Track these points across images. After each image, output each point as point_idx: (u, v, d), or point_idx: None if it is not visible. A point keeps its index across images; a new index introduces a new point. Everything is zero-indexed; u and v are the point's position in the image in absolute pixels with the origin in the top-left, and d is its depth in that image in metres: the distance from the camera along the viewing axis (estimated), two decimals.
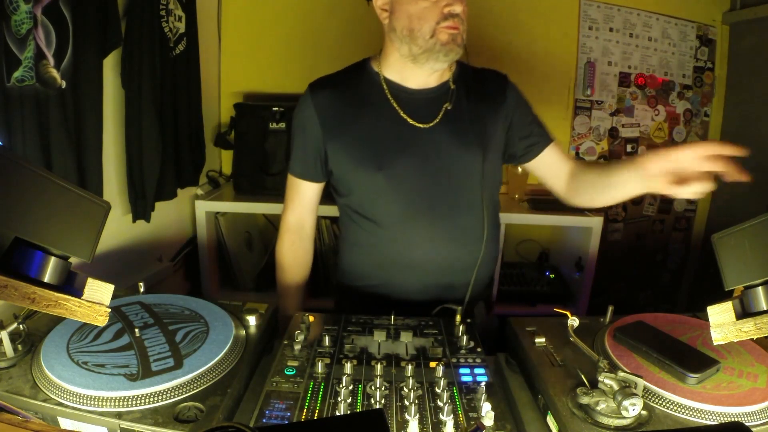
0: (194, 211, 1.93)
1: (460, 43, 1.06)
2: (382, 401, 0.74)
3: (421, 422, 0.70)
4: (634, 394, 0.68)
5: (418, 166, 1.12)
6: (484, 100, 1.16)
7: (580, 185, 1.18)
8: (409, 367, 0.81)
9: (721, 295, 0.65)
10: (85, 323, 0.63)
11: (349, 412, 0.71)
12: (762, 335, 0.59)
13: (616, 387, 0.70)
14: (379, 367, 0.79)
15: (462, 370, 0.82)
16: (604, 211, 2.23)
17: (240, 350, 0.86)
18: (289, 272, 1.28)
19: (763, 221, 0.59)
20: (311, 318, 0.97)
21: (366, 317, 0.99)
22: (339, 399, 0.74)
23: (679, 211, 2.50)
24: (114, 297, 0.62)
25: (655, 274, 2.56)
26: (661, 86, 2.36)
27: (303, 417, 0.71)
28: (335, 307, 1.34)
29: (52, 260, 0.54)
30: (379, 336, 0.92)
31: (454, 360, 0.86)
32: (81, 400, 0.70)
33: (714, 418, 0.71)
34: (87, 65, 1.23)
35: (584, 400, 0.71)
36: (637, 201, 2.45)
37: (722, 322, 0.63)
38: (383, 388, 0.76)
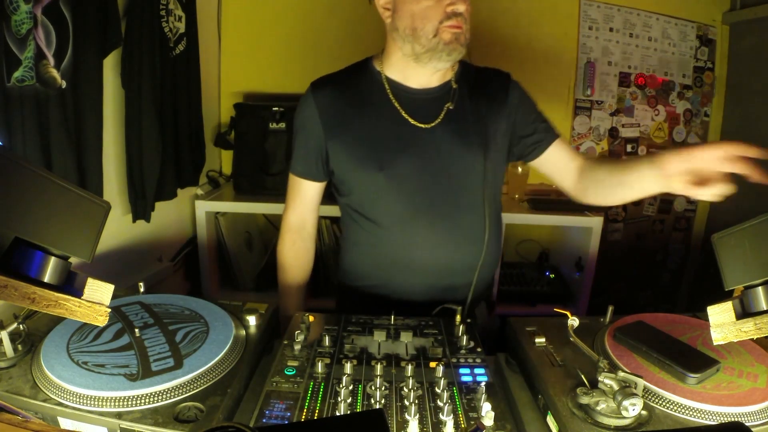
0: (194, 211, 1.93)
1: (463, 43, 1.05)
2: (382, 401, 0.74)
3: (421, 422, 0.70)
4: (634, 394, 0.68)
5: (419, 166, 1.11)
6: (487, 99, 1.16)
7: (591, 182, 1.15)
8: (409, 367, 0.81)
9: (721, 295, 0.65)
10: (85, 323, 0.63)
11: (349, 412, 0.71)
12: (762, 335, 0.59)
13: (616, 387, 0.70)
14: (379, 367, 0.79)
15: (462, 370, 0.82)
16: (604, 211, 2.23)
17: (240, 350, 0.86)
18: (290, 272, 1.28)
19: (763, 221, 0.59)
20: (311, 318, 0.97)
21: (366, 317, 0.99)
22: (339, 399, 0.74)
23: (679, 211, 2.50)
24: (114, 297, 0.62)
25: (655, 274, 2.56)
26: (661, 86, 2.36)
27: (303, 417, 0.71)
28: (337, 307, 1.34)
29: (52, 260, 0.54)
30: (379, 336, 0.92)
31: (454, 360, 0.86)
32: (81, 400, 0.70)
33: (714, 418, 0.71)
34: (87, 65, 1.23)
35: (584, 400, 0.71)
36: (637, 201, 2.45)
37: (722, 322, 0.63)
38: (383, 388, 0.76)
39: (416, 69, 1.11)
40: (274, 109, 1.97)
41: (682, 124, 2.40)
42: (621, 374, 0.72)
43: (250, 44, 2.22)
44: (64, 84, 1.17)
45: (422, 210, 1.13)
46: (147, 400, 0.71)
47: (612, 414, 0.69)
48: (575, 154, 1.21)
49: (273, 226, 2.27)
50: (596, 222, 1.95)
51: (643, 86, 2.34)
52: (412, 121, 1.12)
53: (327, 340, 0.89)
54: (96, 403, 0.70)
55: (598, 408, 0.70)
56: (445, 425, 0.69)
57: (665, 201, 2.46)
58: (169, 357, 0.80)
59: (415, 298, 1.16)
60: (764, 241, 0.58)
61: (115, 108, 1.46)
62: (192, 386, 0.75)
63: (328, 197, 1.27)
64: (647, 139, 2.40)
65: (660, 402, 0.74)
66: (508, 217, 1.95)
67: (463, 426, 0.69)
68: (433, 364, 0.83)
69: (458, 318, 0.96)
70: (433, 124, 1.12)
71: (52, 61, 1.14)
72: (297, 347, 0.87)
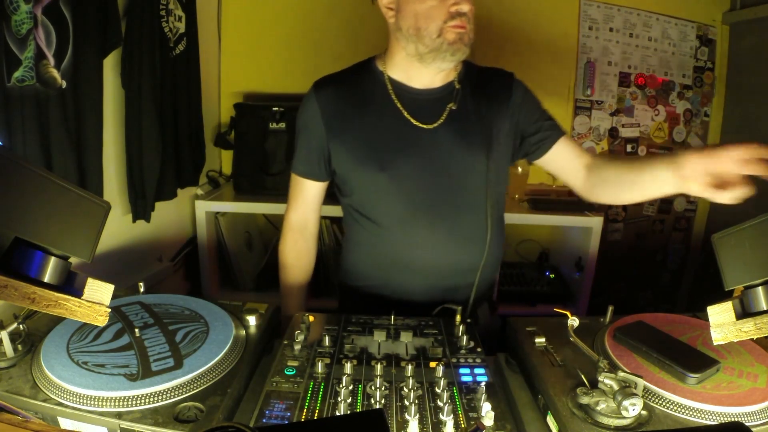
0: (194, 211, 1.92)
1: (467, 43, 1.05)
2: (382, 401, 0.74)
3: (421, 422, 0.70)
4: (634, 394, 0.68)
5: (420, 166, 1.11)
6: (490, 99, 1.15)
7: (601, 180, 1.12)
8: (409, 367, 0.81)
9: (721, 295, 0.65)
10: (85, 323, 0.63)
11: (349, 412, 0.71)
12: (762, 335, 0.59)
13: (616, 387, 0.70)
14: (379, 367, 0.79)
15: (462, 370, 0.82)
16: (604, 211, 2.23)
17: (240, 350, 0.86)
18: (292, 271, 1.28)
19: (763, 221, 0.59)
20: (311, 318, 0.97)
21: (366, 317, 0.99)
22: (339, 399, 0.74)
23: (679, 211, 2.50)
24: (114, 297, 0.62)
25: (655, 274, 2.56)
26: (661, 86, 2.36)
27: (303, 417, 0.71)
28: (339, 307, 1.34)
29: (52, 260, 0.54)
30: (379, 336, 0.92)
31: (454, 360, 0.86)
32: (81, 400, 0.70)
33: (714, 418, 0.71)
34: (87, 65, 1.23)
35: (584, 400, 0.71)
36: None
37: (722, 322, 0.63)
38: (383, 388, 0.76)
39: (420, 69, 1.11)
40: (274, 109, 1.97)
41: (682, 124, 2.40)
42: (621, 374, 0.72)
43: (250, 44, 2.22)
44: (64, 84, 1.17)
45: (423, 210, 1.13)
46: (147, 400, 0.71)
47: (612, 414, 0.69)
48: (582, 151, 1.19)
49: (273, 226, 2.27)
50: (596, 222, 1.95)
51: (643, 86, 2.34)
52: (413, 122, 1.11)
53: (327, 340, 0.89)
54: (96, 403, 0.70)
55: (598, 408, 0.70)
56: (445, 425, 0.69)
57: (665, 201, 2.46)
58: (169, 357, 0.80)
59: (417, 298, 1.16)
60: (764, 241, 0.58)
61: (115, 108, 1.46)
62: (192, 386, 0.75)
63: (328, 197, 1.27)
64: (647, 139, 2.40)
65: (660, 402, 0.74)
66: (508, 217, 1.92)
67: (463, 426, 0.69)
68: (433, 364, 0.83)
69: (458, 318, 0.96)
70: (435, 125, 1.12)
71: (52, 61, 1.14)
72: (297, 347, 0.87)
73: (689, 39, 2.33)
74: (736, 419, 0.71)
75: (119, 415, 0.68)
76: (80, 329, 0.86)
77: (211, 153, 2.09)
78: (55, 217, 0.53)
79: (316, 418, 0.70)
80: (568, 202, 2.03)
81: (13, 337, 0.81)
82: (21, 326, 0.83)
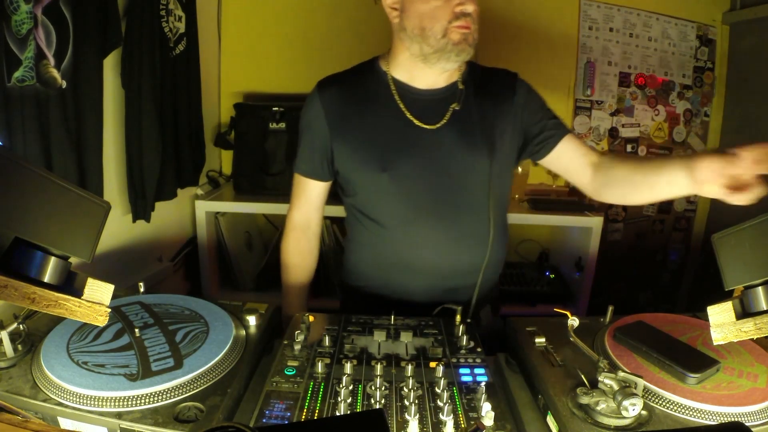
0: (194, 211, 1.93)
1: (471, 43, 1.05)
2: (382, 401, 0.74)
3: (421, 422, 0.70)
4: (634, 394, 0.68)
5: (422, 167, 1.11)
6: (493, 99, 1.14)
7: (610, 180, 1.10)
8: (409, 367, 0.81)
9: (721, 295, 0.65)
10: (85, 323, 0.63)
11: (349, 412, 0.71)
12: (762, 335, 0.59)
13: (616, 387, 0.70)
14: (379, 367, 0.79)
15: (462, 370, 0.82)
16: (604, 211, 2.23)
17: (240, 350, 0.86)
18: (294, 271, 1.28)
19: (763, 221, 0.59)
20: (311, 318, 0.97)
21: (366, 317, 0.99)
22: (339, 399, 0.74)
23: (679, 211, 2.50)
24: (114, 297, 0.62)
25: (655, 274, 2.56)
26: (661, 86, 2.36)
27: (303, 417, 0.71)
28: (341, 307, 1.33)
29: (52, 260, 0.54)
30: (379, 336, 0.92)
31: (454, 360, 0.86)
32: (81, 400, 0.70)
33: (714, 418, 0.71)
34: (87, 65, 1.23)
35: (584, 400, 0.71)
36: None
37: (722, 322, 0.63)
38: (383, 388, 0.76)
39: (424, 69, 1.11)
40: (274, 109, 1.97)
41: (682, 124, 2.40)
42: (621, 374, 0.72)
43: (250, 44, 2.22)
44: (64, 84, 1.17)
45: (425, 211, 1.12)
46: (147, 400, 0.71)
47: (612, 414, 0.69)
48: (588, 149, 1.17)
49: (273, 226, 2.27)
50: (596, 222, 1.95)
51: (643, 86, 2.34)
52: (416, 122, 1.11)
53: (327, 340, 0.89)
54: (96, 403, 0.70)
55: (598, 408, 0.70)
56: (445, 425, 0.69)
57: (665, 201, 2.45)
58: (169, 357, 0.80)
59: (419, 298, 1.16)
60: (764, 241, 0.58)
61: (115, 108, 1.46)
62: (192, 386, 0.75)
63: (331, 197, 1.27)
64: (647, 139, 2.40)
65: (660, 402, 0.74)
66: (509, 217, 1.94)
67: (463, 426, 0.69)
68: (433, 364, 0.83)
69: (458, 318, 0.96)
70: (438, 125, 1.11)
71: (52, 61, 1.14)
72: (297, 347, 0.87)
73: (689, 39, 2.33)
74: (736, 419, 0.71)
75: (119, 415, 0.68)
76: (80, 329, 0.86)
77: (211, 153, 2.09)
78: (55, 217, 0.53)
79: (316, 418, 0.70)
80: (568, 202, 2.03)
81: (13, 337, 0.81)
82: (21, 326, 0.83)
